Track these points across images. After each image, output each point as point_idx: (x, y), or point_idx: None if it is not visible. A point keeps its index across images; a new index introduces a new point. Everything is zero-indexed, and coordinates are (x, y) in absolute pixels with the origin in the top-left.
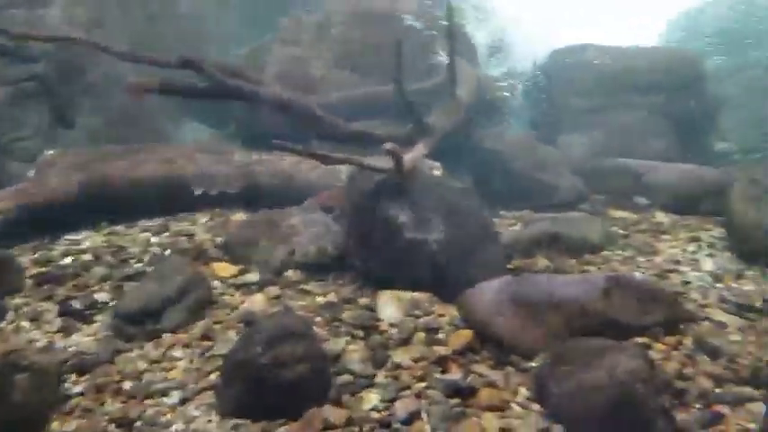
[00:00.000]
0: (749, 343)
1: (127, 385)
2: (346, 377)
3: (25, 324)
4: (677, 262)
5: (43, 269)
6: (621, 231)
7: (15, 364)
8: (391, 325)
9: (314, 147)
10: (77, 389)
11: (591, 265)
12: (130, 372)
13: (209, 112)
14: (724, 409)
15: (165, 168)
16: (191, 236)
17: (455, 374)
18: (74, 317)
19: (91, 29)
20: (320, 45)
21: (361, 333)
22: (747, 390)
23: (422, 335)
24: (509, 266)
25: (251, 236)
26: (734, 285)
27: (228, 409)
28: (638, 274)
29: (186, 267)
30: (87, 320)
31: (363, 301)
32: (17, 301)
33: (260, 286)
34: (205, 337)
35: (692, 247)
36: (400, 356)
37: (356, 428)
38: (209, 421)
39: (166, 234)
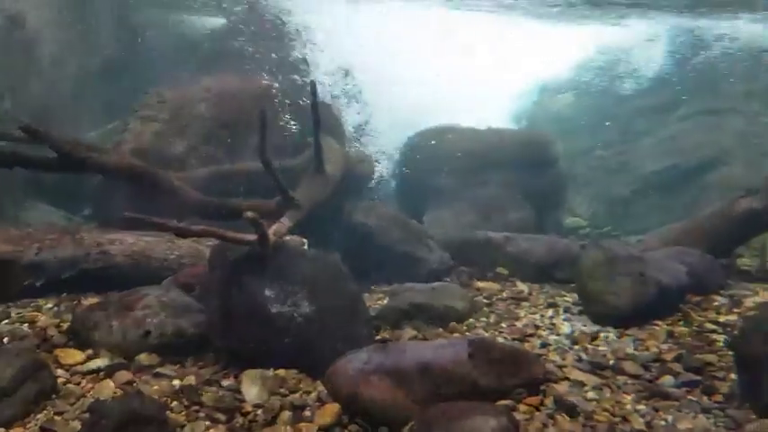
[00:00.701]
0: (605, 400)
1: None
2: None
3: None
4: (537, 327)
5: None
6: (485, 300)
7: None
8: (255, 406)
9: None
10: None
11: (457, 333)
12: None
13: (62, 194)
14: None
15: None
16: (33, 322)
17: None
18: None
19: None
20: (180, 121)
21: (222, 417)
22: None
23: (287, 414)
24: (377, 339)
25: (100, 318)
26: (589, 346)
27: None
28: (500, 339)
29: (24, 355)
30: None
31: (226, 382)
32: None
33: (109, 372)
34: (45, 430)
35: (549, 312)
36: None
37: None
38: None
39: (5, 321)
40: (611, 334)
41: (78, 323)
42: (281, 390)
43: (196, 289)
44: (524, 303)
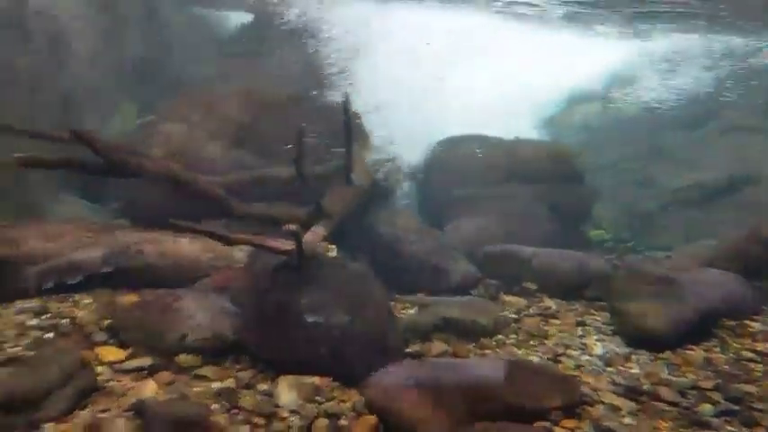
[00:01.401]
0: (642, 427)
1: None
2: None
3: None
4: (567, 346)
5: None
6: (513, 315)
7: None
8: (292, 411)
9: (213, 227)
10: None
11: (487, 349)
12: None
13: (90, 187)
14: None
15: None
16: (73, 318)
17: None
18: None
19: None
20: (211, 123)
21: (261, 421)
22: None
23: (324, 421)
24: (407, 350)
25: (140, 318)
26: (623, 369)
27: None
28: (535, 359)
29: (69, 352)
30: None
31: (263, 386)
32: None
33: (150, 372)
34: (91, 427)
35: (579, 331)
36: None
37: None
38: None
39: (47, 316)
40: (645, 357)
41: (119, 322)
42: (317, 398)
43: (231, 292)
44: (553, 321)
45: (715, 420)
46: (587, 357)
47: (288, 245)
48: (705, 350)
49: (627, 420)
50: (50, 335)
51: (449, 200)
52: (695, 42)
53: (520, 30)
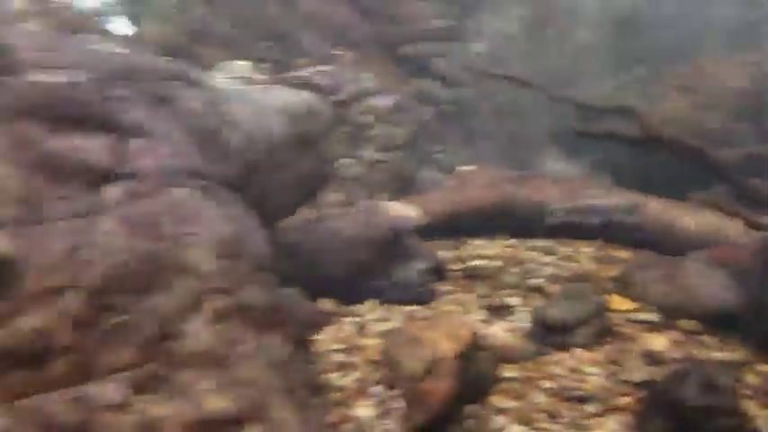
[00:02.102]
0: None
1: (546, 384)
2: None
3: (452, 308)
4: None
5: (462, 265)
6: None
7: (478, 343)
8: None
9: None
10: (508, 375)
11: None
12: (549, 373)
13: (573, 144)
14: None
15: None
16: (578, 262)
17: None
18: (492, 312)
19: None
20: (713, 95)
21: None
22: None
23: None
24: None
25: (647, 277)
26: None
27: None
28: None
29: (589, 293)
30: (503, 318)
31: (762, 367)
32: (445, 288)
33: (657, 327)
34: (612, 361)
35: None
36: None
37: None
38: None
39: (555, 256)
40: None
41: (627, 276)
42: None
43: (731, 269)
44: None
45: None
46: None
47: None
48: None
49: None
50: (566, 274)
51: None
52: None
53: None
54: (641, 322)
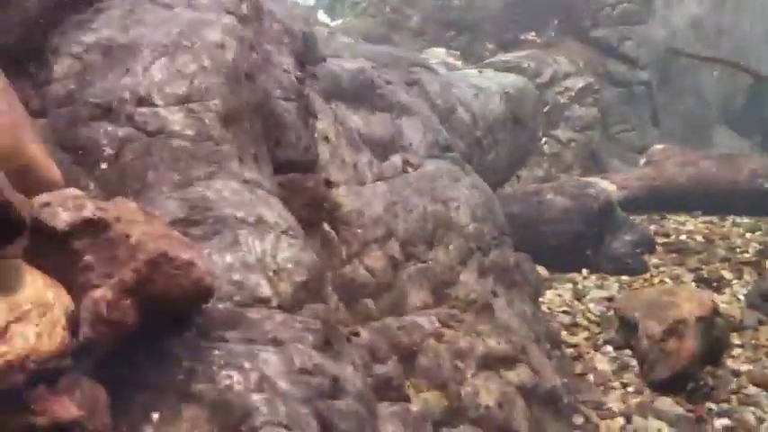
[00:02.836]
0: None
1: None
2: None
3: (667, 281)
4: None
5: (667, 240)
6: None
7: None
8: None
9: None
10: (737, 341)
11: None
12: None
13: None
14: None
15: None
16: None
17: None
18: (705, 284)
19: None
20: None
21: None
22: None
23: None
24: None
25: None
26: None
27: None
28: None
29: None
30: (717, 290)
31: None
32: (654, 261)
33: None
34: None
35: None
36: None
37: None
38: None
39: (759, 233)
40: None
41: None
42: None
43: None
44: None
45: None
46: None
47: None
48: None
49: None
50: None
51: None
52: None
53: None
54: None
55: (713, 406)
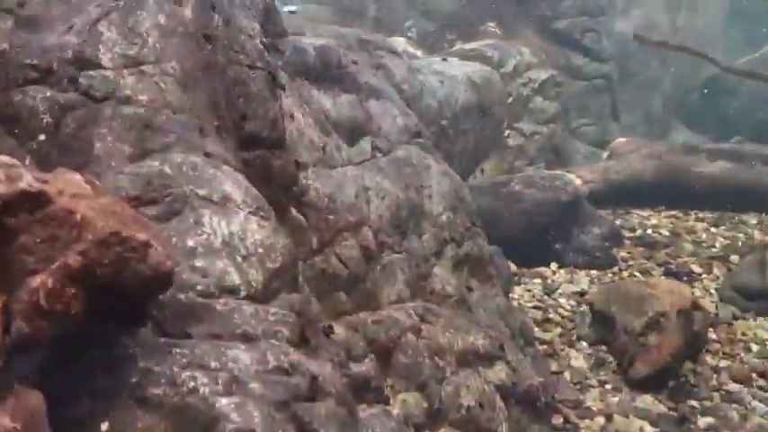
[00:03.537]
0: None
1: (754, 346)
2: None
3: (637, 274)
4: None
5: (632, 234)
6: None
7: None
8: None
9: None
10: (712, 336)
11: None
12: (751, 336)
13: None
14: None
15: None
16: (746, 233)
17: None
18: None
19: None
20: None
21: None
22: None
23: None
24: None
25: None
26: None
27: None
28: None
29: None
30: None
31: None
32: (622, 254)
33: None
34: None
35: None
36: None
37: None
38: None
39: (723, 227)
40: None
41: None
42: None
43: None
44: None
45: None
46: None
47: None
48: None
49: None
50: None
51: None
52: None
53: None
54: None
55: (695, 404)
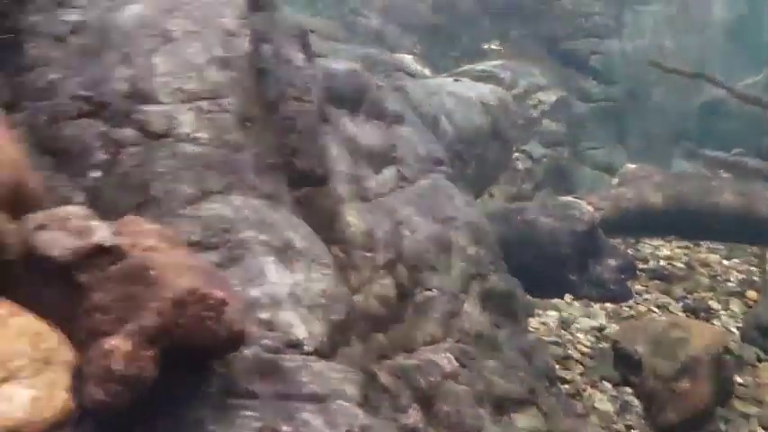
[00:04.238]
0: None
1: None
2: None
3: (654, 310)
4: None
5: (646, 265)
6: None
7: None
8: None
9: None
10: (739, 380)
11: None
12: None
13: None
14: None
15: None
16: (761, 269)
17: None
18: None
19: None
20: None
21: None
22: None
23: None
24: None
25: None
26: None
27: None
28: None
29: None
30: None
31: None
32: (637, 287)
33: None
34: None
35: None
36: None
37: None
38: None
39: (736, 260)
40: None
41: None
42: None
43: None
44: None
45: None
46: None
47: None
48: None
49: None
50: None
51: None
52: None
53: None
54: None
55: None
